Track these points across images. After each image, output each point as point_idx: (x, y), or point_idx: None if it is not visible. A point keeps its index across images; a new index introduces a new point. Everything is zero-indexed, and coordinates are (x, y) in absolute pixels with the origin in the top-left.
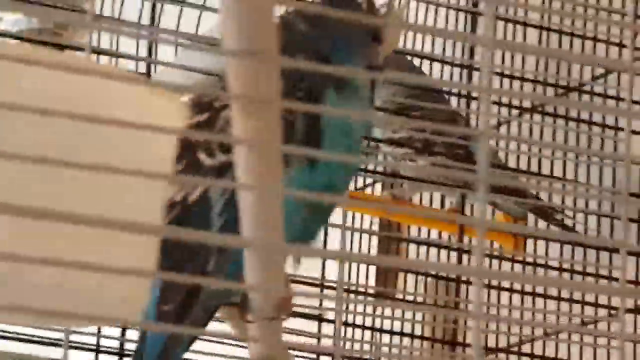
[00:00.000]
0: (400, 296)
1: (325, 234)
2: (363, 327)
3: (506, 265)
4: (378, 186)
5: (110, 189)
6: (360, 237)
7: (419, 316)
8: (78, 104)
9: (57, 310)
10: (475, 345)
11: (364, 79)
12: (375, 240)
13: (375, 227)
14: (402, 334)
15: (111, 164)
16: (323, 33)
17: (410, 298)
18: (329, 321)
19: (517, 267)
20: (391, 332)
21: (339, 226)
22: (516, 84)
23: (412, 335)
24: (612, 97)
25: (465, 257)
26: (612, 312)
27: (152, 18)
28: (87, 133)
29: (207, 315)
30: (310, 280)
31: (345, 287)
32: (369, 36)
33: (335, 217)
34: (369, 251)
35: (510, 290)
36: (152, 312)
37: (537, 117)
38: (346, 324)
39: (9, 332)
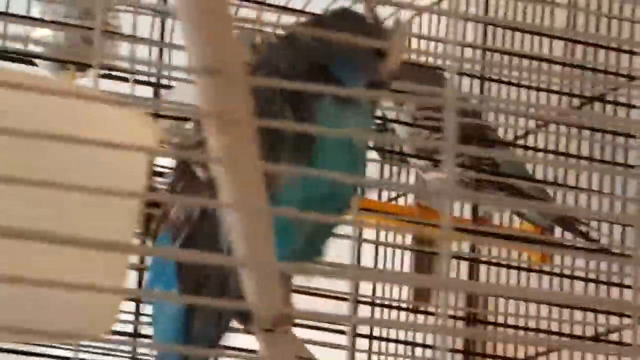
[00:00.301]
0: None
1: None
2: (396, 341)
3: (534, 277)
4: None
5: (83, 208)
6: (394, 251)
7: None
8: (52, 124)
9: (26, 327)
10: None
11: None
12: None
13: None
14: (434, 347)
15: (83, 183)
16: (325, 46)
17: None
18: (361, 336)
19: (545, 279)
20: (424, 345)
21: (352, 239)
22: (543, 95)
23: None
24: (634, 107)
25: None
26: None
27: (162, 33)
28: (59, 153)
29: (219, 328)
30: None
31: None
32: (373, 50)
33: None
34: (401, 265)
35: (538, 300)
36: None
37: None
38: (379, 337)
39: (18, 350)
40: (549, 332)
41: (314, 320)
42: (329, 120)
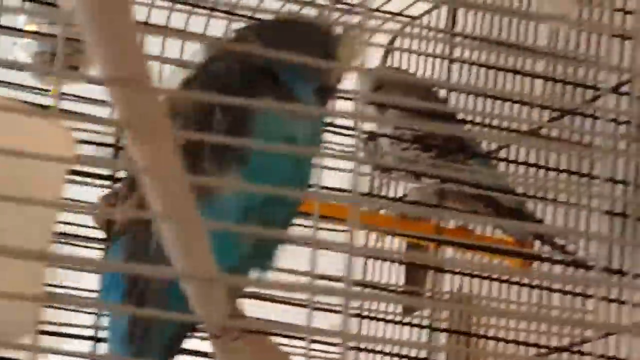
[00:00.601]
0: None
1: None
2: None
3: (514, 287)
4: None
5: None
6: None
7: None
8: None
9: None
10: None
11: (311, 96)
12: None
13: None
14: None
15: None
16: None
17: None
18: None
19: (525, 289)
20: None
21: (310, 245)
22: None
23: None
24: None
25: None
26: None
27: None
28: None
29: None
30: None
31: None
32: (322, 56)
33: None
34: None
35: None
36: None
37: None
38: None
39: None
40: (526, 343)
41: (264, 329)
42: (273, 127)
